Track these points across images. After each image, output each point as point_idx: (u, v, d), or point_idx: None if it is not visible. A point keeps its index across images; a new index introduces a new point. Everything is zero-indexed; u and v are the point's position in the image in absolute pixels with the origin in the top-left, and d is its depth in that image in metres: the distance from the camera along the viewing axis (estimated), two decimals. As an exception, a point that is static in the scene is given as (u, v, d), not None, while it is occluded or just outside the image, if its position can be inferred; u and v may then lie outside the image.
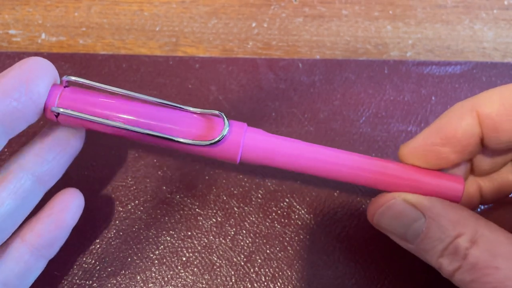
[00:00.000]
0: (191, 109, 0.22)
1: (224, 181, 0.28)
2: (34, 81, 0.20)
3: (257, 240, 0.26)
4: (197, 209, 0.27)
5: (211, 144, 0.21)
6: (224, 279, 0.26)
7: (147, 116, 0.22)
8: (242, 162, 0.22)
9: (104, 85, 0.22)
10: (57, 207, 0.23)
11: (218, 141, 0.21)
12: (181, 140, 0.21)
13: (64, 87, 0.22)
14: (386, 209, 0.22)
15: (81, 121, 0.21)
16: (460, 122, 0.21)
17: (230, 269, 0.26)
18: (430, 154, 0.22)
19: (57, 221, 0.22)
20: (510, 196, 0.25)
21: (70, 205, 0.23)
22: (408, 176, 0.22)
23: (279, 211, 0.27)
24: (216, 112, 0.22)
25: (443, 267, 0.20)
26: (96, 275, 0.25)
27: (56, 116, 0.21)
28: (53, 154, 0.22)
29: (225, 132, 0.21)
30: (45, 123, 0.22)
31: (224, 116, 0.22)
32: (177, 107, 0.22)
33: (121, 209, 0.27)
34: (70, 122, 0.22)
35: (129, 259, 0.26)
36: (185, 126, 0.22)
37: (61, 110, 0.21)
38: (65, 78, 0.21)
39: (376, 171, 0.22)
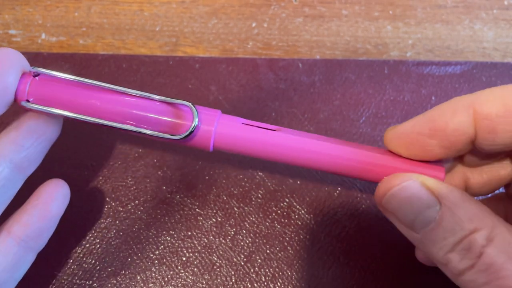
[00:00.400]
0: (157, 97, 0.21)
1: (224, 181, 0.28)
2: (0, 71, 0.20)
3: (257, 240, 0.26)
4: (197, 209, 0.27)
5: (181, 138, 0.21)
6: (224, 279, 0.26)
7: (116, 106, 0.21)
8: (216, 150, 0.22)
9: (72, 76, 0.21)
10: (42, 197, 0.23)
11: (189, 134, 0.21)
12: (148, 132, 0.21)
13: (34, 76, 0.21)
14: (400, 190, 0.19)
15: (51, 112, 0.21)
16: (453, 117, 0.20)
17: (230, 269, 0.26)
18: (415, 143, 0.20)
19: (43, 212, 0.22)
20: (499, 191, 0.24)
21: (56, 195, 0.23)
22: (383, 163, 0.21)
23: (279, 211, 0.27)
24: (185, 103, 0.21)
25: (451, 264, 0.18)
26: (96, 275, 0.25)
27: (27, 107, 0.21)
28: (30, 141, 0.22)
29: (195, 123, 0.21)
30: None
31: (194, 108, 0.21)
32: (145, 96, 0.21)
33: (121, 209, 0.27)
34: (42, 111, 0.22)
35: (129, 259, 0.26)
36: (155, 114, 0.21)
37: (30, 104, 0.21)
38: (33, 69, 0.21)
39: (351, 158, 0.21)
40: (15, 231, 0.22)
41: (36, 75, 0.21)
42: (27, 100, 0.21)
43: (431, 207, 0.19)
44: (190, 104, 0.21)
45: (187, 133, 0.21)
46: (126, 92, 0.21)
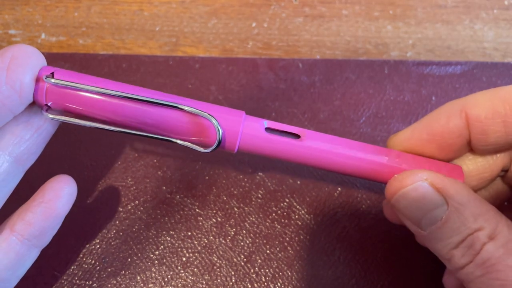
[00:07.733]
0: (186, 108, 0.21)
1: (224, 181, 0.28)
2: (16, 69, 0.19)
3: (257, 241, 0.26)
4: (197, 209, 0.27)
5: (209, 151, 0.21)
6: (224, 279, 0.26)
7: (141, 116, 0.22)
8: (240, 152, 0.22)
9: (95, 88, 0.21)
10: (47, 195, 0.22)
11: (215, 148, 0.21)
12: (179, 142, 0.22)
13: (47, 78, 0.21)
14: (410, 191, 0.20)
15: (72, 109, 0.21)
16: (448, 122, 0.21)
17: (230, 270, 0.26)
18: (415, 148, 0.22)
19: (48, 210, 0.22)
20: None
21: (61, 193, 0.22)
22: (405, 163, 0.22)
23: (279, 211, 0.27)
24: (209, 117, 0.21)
25: (453, 260, 0.19)
26: (96, 275, 0.25)
27: (47, 107, 0.21)
28: (29, 132, 0.22)
29: (219, 140, 0.21)
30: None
31: (217, 124, 0.21)
32: (172, 105, 0.22)
33: (121, 209, 0.27)
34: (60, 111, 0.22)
35: (129, 259, 0.26)
36: (183, 124, 0.22)
37: (48, 115, 0.21)
38: (46, 80, 0.20)
39: (372, 162, 0.22)
40: (18, 229, 0.21)
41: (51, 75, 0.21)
42: (47, 105, 0.21)
43: (439, 207, 0.19)
44: (214, 120, 0.21)
45: (214, 147, 0.21)
46: (150, 100, 0.22)
